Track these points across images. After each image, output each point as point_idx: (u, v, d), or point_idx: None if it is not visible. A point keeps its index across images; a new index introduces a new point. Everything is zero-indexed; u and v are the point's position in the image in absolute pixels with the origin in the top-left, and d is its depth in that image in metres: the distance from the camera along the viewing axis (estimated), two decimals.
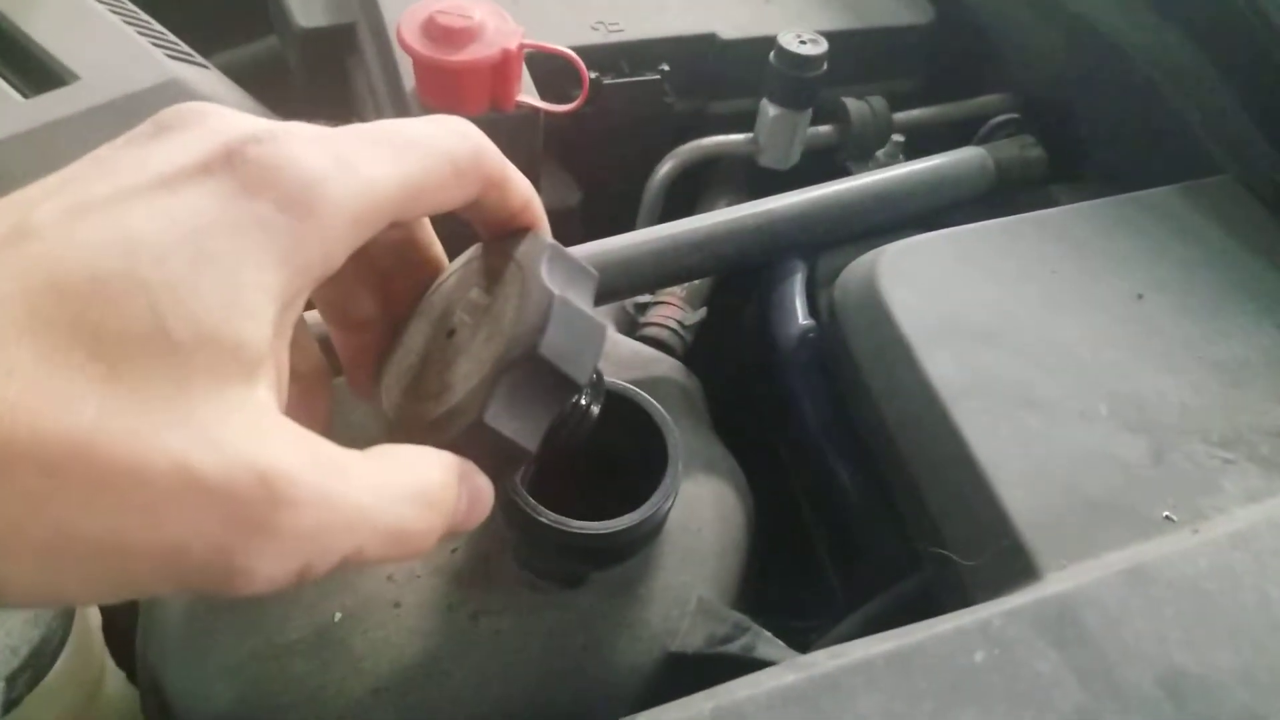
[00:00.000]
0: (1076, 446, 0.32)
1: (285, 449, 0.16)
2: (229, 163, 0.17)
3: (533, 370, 0.19)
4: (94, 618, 0.33)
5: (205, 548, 0.15)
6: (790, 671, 0.26)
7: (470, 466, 0.20)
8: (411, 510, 0.18)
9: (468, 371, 0.20)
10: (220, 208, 0.17)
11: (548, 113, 0.42)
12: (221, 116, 0.19)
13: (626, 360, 0.39)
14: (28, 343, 0.14)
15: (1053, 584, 0.28)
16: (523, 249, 0.22)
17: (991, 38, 0.51)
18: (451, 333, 0.22)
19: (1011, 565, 0.29)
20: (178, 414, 0.15)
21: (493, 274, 0.22)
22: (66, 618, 0.30)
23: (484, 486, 0.20)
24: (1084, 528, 0.30)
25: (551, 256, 0.21)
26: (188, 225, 0.17)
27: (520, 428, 0.20)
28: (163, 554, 0.15)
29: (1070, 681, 0.25)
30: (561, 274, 0.21)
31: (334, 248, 0.18)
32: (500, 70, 0.40)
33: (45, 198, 0.17)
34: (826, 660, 0.26)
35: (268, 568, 0.16)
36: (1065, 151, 0.48)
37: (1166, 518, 0.30)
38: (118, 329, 0.15)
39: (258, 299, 0.17)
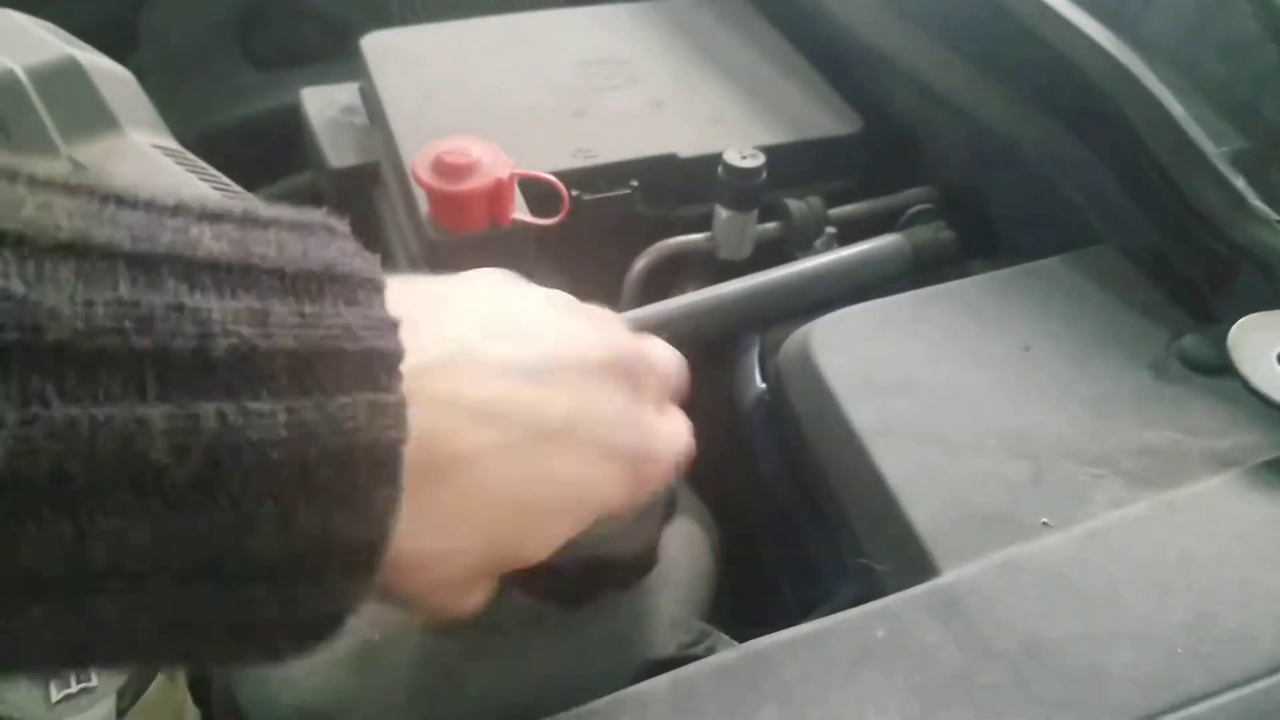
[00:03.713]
0: (971, 472, 0.39)
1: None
2: (634, 461, 0.24)
3: None
4: None
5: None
6: (732, 653, 0.33)
7: None
8: None
9: None
10: (606, 489, 0.24)
11: (537, 226, 0.52)
12: (652, 401, 0.26)
13: None
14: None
15: (944, 578, 0.35)
16: None
17: (913, 140, 0.60)
18: None
19: (917, 567, 0.36)
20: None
21: None
22: None
23: None
24: (975, 535, 0.37)
25: None
26: (588, 493, 0.23)
27: None
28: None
29: (951, 648, 0.32)
30: None
31: None
32: (495, 195, 0.49)
33: (517, 361, 0.22)
34: (761, 643, 0.33)
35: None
36: (980, 232, 0.57)
37: (1044, 524, 0.37)
38: (503, 557, 0.23)
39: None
